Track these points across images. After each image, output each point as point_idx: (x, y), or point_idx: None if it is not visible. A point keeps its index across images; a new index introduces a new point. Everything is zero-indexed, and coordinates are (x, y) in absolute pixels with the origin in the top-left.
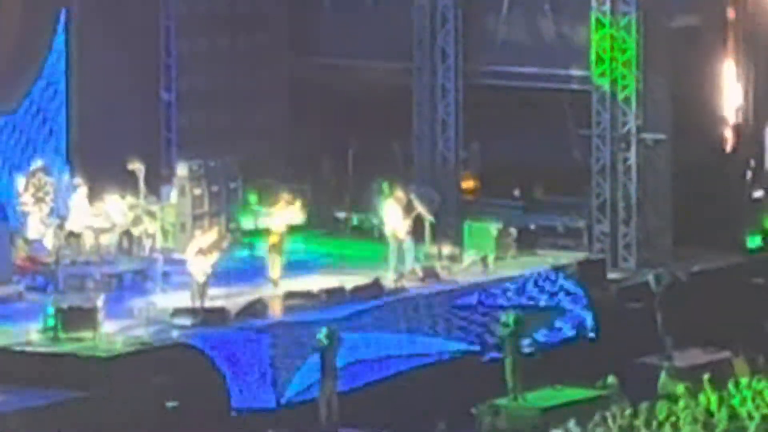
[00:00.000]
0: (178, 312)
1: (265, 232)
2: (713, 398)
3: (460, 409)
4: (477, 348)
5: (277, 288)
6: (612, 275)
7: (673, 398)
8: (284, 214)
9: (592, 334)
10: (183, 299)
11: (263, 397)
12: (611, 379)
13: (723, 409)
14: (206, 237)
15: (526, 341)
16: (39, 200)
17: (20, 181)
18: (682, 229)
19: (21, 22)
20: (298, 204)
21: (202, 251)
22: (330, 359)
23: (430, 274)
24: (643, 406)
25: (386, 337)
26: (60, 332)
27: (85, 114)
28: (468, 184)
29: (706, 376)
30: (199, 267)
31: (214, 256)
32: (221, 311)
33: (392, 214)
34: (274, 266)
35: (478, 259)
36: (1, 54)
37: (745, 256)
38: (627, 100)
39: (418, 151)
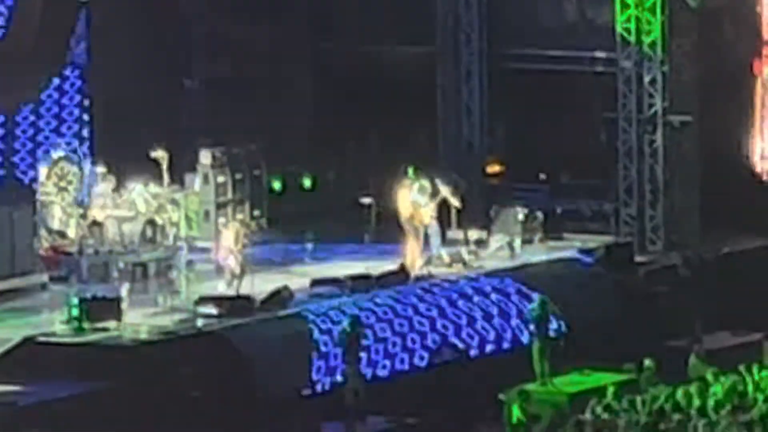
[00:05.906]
0: (203, 300)
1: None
2: (747, 382)
3: (489, 396)
4: (503, 333)
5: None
6: (639, 258)
7: (703, 382)
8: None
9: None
10: (208, 288)
11: (290, 385)
12: (648, 363)
13: (757, 394)
14: (231, 231)
15: (553, 325)
16: (61, 189)
17: (42, 171)
18: (709, 211)
19: (44, 8)
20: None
21: (231, 246)
22: (355, 347)
23: (456, 259)
24: (673, 389)
25: (412, 324)
26: (84, 322)
27: (107, 102)
28: (493, 168)
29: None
30: (233, 259)
31: (242, 246)
32: (247, 299)
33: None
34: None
35: (505, 243)
36: (24, 42)
37: None
38: (653, 81)
39: (442, 136)
